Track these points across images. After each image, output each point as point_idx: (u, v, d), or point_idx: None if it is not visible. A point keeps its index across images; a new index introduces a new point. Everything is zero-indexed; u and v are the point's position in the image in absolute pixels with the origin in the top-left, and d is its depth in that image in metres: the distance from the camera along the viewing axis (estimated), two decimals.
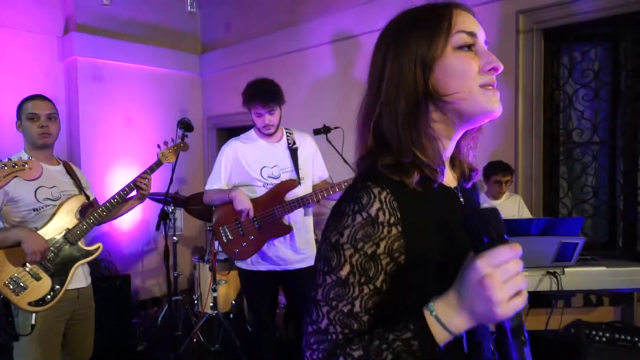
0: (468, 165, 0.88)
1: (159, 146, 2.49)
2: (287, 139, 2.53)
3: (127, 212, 2.38)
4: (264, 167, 2.47)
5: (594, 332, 2.32)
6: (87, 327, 2.18)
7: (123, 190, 2.23)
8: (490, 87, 0.75)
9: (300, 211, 2.48)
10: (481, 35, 0.78)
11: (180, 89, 5.18)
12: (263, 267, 2.48)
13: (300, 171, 2.47)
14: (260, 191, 2.46)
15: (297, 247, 2.47)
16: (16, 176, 1.66)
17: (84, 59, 4.37)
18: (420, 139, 0.74)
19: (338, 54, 4.05)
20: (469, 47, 0.76)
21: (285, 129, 2.57)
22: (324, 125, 2.99)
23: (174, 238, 3.78)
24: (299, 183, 2.44)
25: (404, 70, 0.75)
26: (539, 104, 3.17)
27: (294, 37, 4.38)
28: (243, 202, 2.36)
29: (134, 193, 2.30)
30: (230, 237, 2.48)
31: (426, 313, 0.67)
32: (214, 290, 3.54)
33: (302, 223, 2.51)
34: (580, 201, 3.20)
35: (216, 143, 5.43)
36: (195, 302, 3.85)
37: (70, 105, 4.43)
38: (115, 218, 2.37)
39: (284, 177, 2.47)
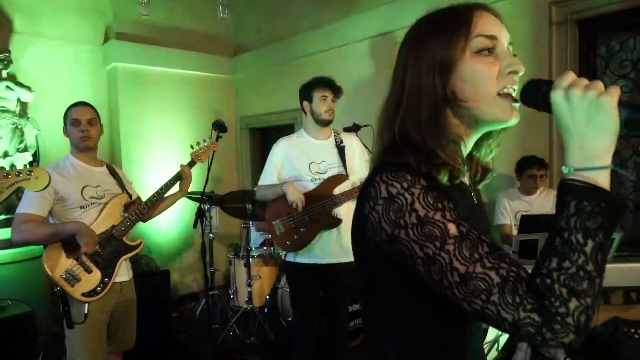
0: (483, 165, 0.89)
1: (192, 146, 2.61)
2: (335, 138, 2.66)
3: (169, 206, 2.53)
4: (312, 162, 2.59)
5: (632, 330, 2.26)
6: (130, 318, 2.33)
7: (161, 188, 2.37)
8: (508, 95, 0.75)
9: (346, 206, 2.57)
10: (504, 37, 0.77)
11: (214, 91, 5.33)
12: (309, 260, 2.57)
13: (347, 168, 2.57)
14: (309, 186, 2.57)
15: (344, 240, 2.55)
16: (20, 186, 1.58)
17: (123, 66, 4.58)
18: (443, 144, 0.75)
19: (367, 52, 4.07)
20: (489, 50, 0.75)
21: (333, 129, 2.70)
22: (354, 123, 3.03)
23: (210, 235, 3.92)
24: (347, 178, 2.55)
25: (423, 76, 0.76)
26: None
27: (324, 36, 4.43)
28: (295, 194, 2.48)
29: (170, 192, 2.43)
30: (282, 230, 2.60)
31: (565, 179, 0.65)
32: (249, 285, 3.64)
33: (349, 216, 2.57)
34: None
35: (249, 143, 5.56)
36: (231, 296, 3.97)
37: (111, 109, 4.66)
38: (159, 213, 2.53)
39: (331, 172, 2.58)
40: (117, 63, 4.55)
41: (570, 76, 0.66)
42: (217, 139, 2.84)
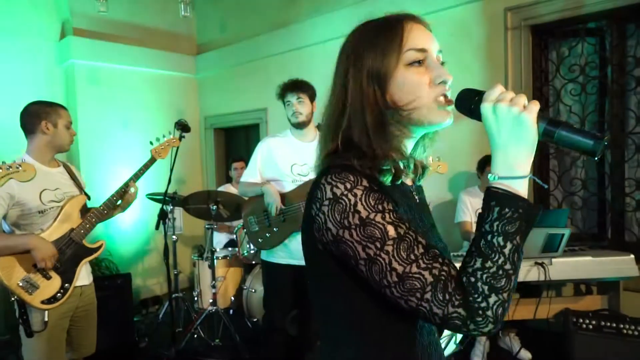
0: (421, 164, 0.94)
1: (151, 143, 2.56)
2: None
3: (112, 217, 2.43)
4: (294, 164, 2.58)
5: (581, 320, 2.39)
6: (90, 323, 2.26)
7: (121, 188, 2.30)
8: (443, 99, 0.80)
9: None
10: (433, 48, 0.82)
11: (176, 91, 5.24)
12: (283, 260, 2.58)
13: None
14: (289, 187, 2.57)
15: None
16: (11, 178, 1.72)
17: (81, 63, 4.43)
18: (389, 147, 0.80)
19: (332, 53, 4.08)
20: (420, 62, 0.80)
21: (319, 132, 2.66)
22: (319, 123, 3.06)
23: (174, 237, 3.85)
24: None
25: (363, 86, 0.81)
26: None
27: (289, 37, 4.44)
28: (272, 196, 2.49)
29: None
30: (257, 227, 2.62)
31: (492, 183, 0.72)
32: (213, 286, 3.61)
33: None
34: (569, 193, 3.27)
35: (213, 143, 5.50)
36: (195, 298, 3.92)
37: (69, 107, 4.45)
38: (110, 217, 2.44)
39: (312, 175, 2.55)
40: (74, 60, 4.39)
41: (499, 89, 0.73)
42: (179, 139, 2.80)
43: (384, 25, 0.83)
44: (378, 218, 0.72)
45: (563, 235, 2.34)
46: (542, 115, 0.70)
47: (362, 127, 0.81)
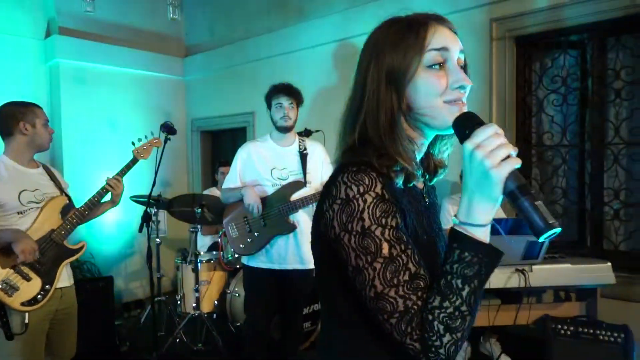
0: (438, 162, 0.95)
1: (133, 143, 2.54)
2: (299, 145, 2.67)
3: (102, 213, 2.43)
4: (274, 168, 2.61)
5: (559, 327, 2.44)
6: (70, 326, 2.22)
7: (103, 188, 2.29)
8: (457, 102, 0.80)
9: (305, 211, 2.60)
10: (455, 48, 0.82)
11: (163, 92, 5.21)
12: (264, 264, 2.59)
13: (307, 175, 2.60)
14: (269, 191, 2.59)
15: (301, 247, 2.58)
16: None
17: (66, 62, 4.39)
18: (399, 148, 0.80)
19: (321, 58, 4.13)
20: (440, 65, 0.80)
21: (299, 137, 2.72)
22: (305, 128, 3.08)
23: (157, 240, 3.81)
24: (305, 185, 2.57)
25: (380, 87, 0.82)
26: (512, 109, 3.30)
27: (278, 41, 4.46)
28: (252, 198, 2.49)
29: (109, 196, 2.35)
30: (237, 233, 2.62)
31: (454, 227, 0.73)
32: (197, 290, 3.58)
33: (306, 223, 2.61)
34: (550, 202, 3.33)
35: (200, 146, 5.48)
36: (178, 302, 3.88)
37: (53, 107, 4.44)
38: (94, 217, 2.42)
39: (292, 179, 2.60)
40: (59, 59, 4.34)
41: (487, 132, 0.69)
42: (165, 141, 2.78)
43: (408, 25, 0.82)
44: (378, 232, 0.73)
45: (543, 242, 2.39)
46: (516, 176, 0.68)
47: (375, 126, 0.82)
